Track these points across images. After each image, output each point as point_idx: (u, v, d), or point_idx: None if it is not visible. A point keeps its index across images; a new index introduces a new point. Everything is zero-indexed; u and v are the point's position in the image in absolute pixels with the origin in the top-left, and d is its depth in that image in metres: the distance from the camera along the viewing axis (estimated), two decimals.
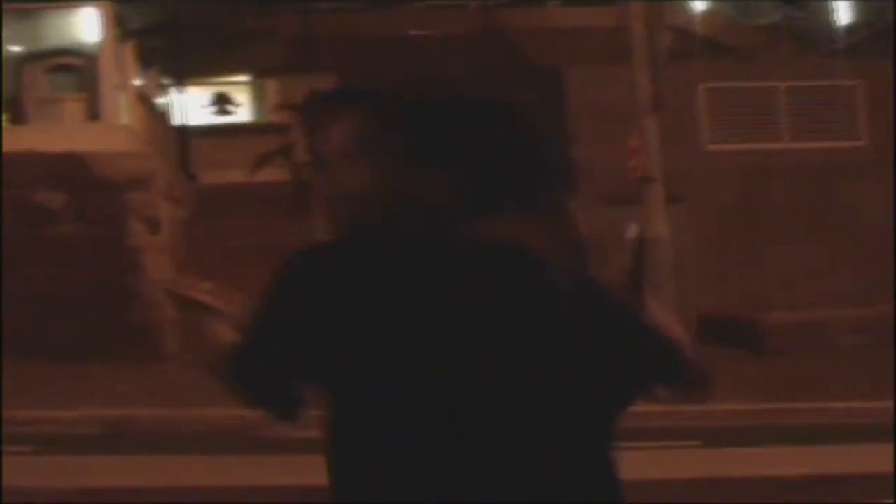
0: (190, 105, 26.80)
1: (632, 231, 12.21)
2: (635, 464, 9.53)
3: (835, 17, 32.98)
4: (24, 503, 9.53)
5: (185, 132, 26.15)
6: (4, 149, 18.79)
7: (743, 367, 17.44)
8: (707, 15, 34.86)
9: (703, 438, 12.47)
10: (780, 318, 19.20)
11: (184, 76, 26.41)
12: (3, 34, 22.68)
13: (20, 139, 19.11)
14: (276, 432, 12.93)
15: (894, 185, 21.47)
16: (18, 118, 20.49)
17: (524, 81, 26.44)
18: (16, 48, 22.44)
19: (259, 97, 28.65)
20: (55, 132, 19.59)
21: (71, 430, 12.91)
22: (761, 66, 24.30)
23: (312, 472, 8.76)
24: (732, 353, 18.83)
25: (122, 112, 21.23)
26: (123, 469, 10.86)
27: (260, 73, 29.68)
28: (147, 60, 25.13)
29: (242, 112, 28.30)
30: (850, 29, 31.90)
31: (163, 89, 27.13)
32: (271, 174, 24.39)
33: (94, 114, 20.64)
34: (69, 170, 18.72)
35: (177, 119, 26.45)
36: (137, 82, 23.72)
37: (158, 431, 12.98)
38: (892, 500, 8.74)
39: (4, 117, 20.92)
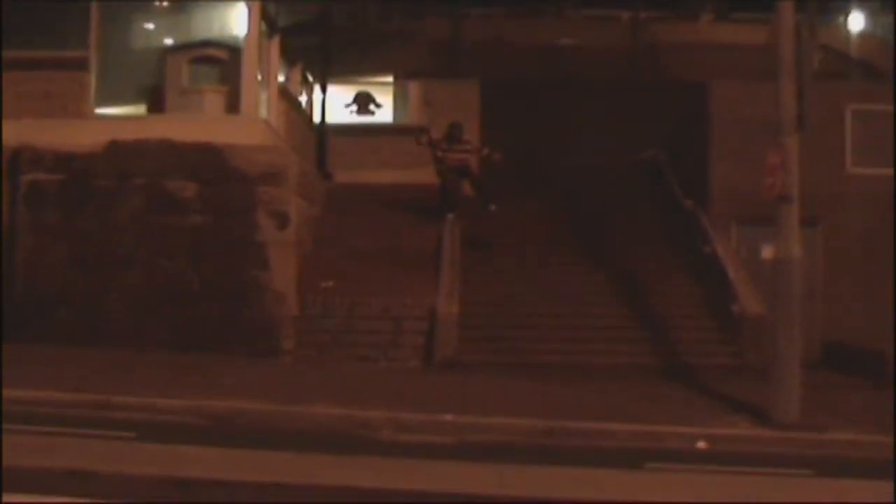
0: (332, 103, 26.87)
1: (766, 251, 11.94)
2: (742, 490, 9.31)
3: None
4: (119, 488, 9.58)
5: (325, 130, 26.23)
6: (140, 136, 18.98)
7: (865, 397, 17.00)
8: (860, 36, 34.18)
9: (817, 468, 12.09)
10: None
11: (327, 74, 26.47)
12: (154, 26, 23.06)
13: (157, 127, 19.31)
14: (380, 433, 12.92)
15: None
16: (158, 107, 20.71)
17: (670, 95, 26.17)
18: (161, 39, 22.76)
19: (402, 99, 28.63)
20: (192, 122, 19.73)
21: (175, 419, 12.94)
22: None
23: (412, 475, 8.68)
24: (855, 383, 18.39)
25: (261, 106, 21.34)
26: (220, 462, 10.82)
27: (404, 74, 29.67)
28: (291, 57, 25.25)
29: (383, 113, 28.30)
30: None
31: (305, 86, 27.25)
32: (404, 176, 24.40)
33: (233, 107, 20.73)
34: (202, 160, 18.86)
35: (317, 117, 26.53)
36: (280, 78, 23.83)
37: (261, 426, 12.94)
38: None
39: (144, 106, 21.21)
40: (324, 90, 26.43)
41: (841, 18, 35.74)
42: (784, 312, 14.79)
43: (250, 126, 19.97)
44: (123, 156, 18.93)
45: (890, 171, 22.38)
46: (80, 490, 9.38)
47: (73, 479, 9.63)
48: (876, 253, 22.15)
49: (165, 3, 23.26)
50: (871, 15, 36.78)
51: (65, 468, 9.77)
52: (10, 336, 17.56)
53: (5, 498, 8.68)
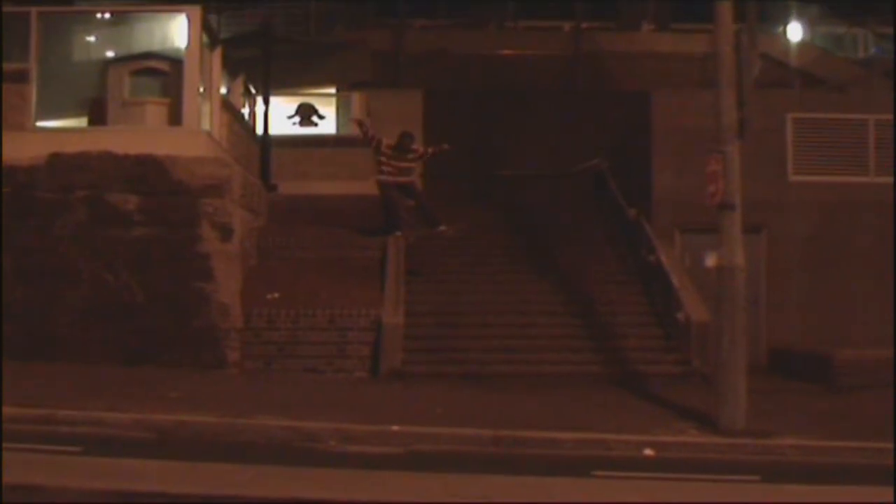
0: (274, 115, 26.79)
1: (710, 259, 12.00)
2: (689, 496, 9.34)
3: None
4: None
5: (268, 142, 26.15)
6: (82, 148, 18.87)
7: (811, 402, 17.12)
8: (800, 46, 34.53)
9: (763, 473, 12.16)
10: (850, 355, 18.82)
11: (269, 86, 26.39)
12: (95, 37, 22.91)
13: (99, 140, 19.20)
14: (326, 445, 12.88)
15: None
16: (99, 119, 20.56)
17: (612, 104, 26.30)
18: (103, 51, 22.61)
19: (344, 110, 28.60)
20: (134, 134, 19.63)
21: (120, 433, 12.86)
22: (851, 99, 23.89)
23: (359, 486, 8.65)
24: (801, 388, 18.52)
25: (204, 118, 21.22)
26: (165, 475, 10.75)
27: (346, 86, 29.65)
28: (234, 69, 25.17)
29: (326, 124, 28.26)
30: None
31: (248, 98, 27.16)
32: (349, 187, 24.34)
33: (175, 119, 20.61)
34: (145, 172, 18.77)
35: (260, 128, 26.45)
36: (222, 90, 23.72)
37: (207, 439, 12.88)
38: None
39: (86, 119, 21.04)
40: (266, 102, 26.34)
41: (780, 28, 36.12)
42: (728, 319, 14.87)
43: (192, 138, 19.87)
44: (65, 168, 18.80)
45: (830, 179, 22.61)
46: None
47: (17, 493, 9.53)
48: (819, 258, 22.35)
49: (107, 16, 23.11)
50: (810, 25, 37.19)
51: (8, 483, 9.66)
52: None
53: None
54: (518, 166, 26.64)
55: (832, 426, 14.67)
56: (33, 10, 20.63)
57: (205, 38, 21.36)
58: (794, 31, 36.54)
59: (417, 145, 22.86)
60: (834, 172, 22.71)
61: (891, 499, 9.79)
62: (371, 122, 24.89)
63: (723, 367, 14.75)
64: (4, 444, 11.17)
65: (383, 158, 22.37)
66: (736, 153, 15.23)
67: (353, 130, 23.23)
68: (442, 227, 22.20)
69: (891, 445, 12.97)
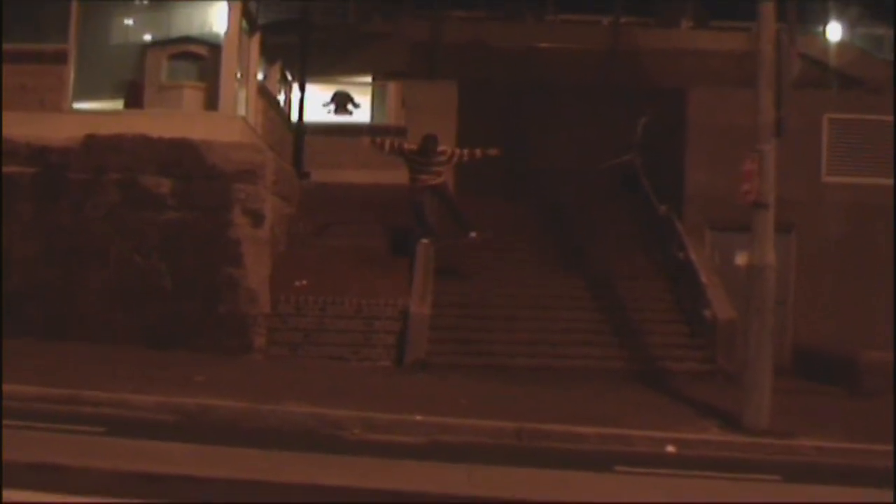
0: (310, 102, 26.86)
1: (740, 257, 11.97)
2: (710, 494, 9.34)
3: None
4: (87, 483, 9.55)
5: (303, 129, 26.23)
6: (117, 131, 18.98)
7: (835, 404, 17.07)
8: (839, 46, 34.37)
9: (784, 473, 12.15)
10: (877, 358, 18.73)
11: (306, 73, 26.46)
12: (135, 21, 23.04)
13: (134, 123, 19.30)
14: (350, 433, 12.93)
15: None
16: (135, 102, 20.67)
17: (647, 100, 26.24)
18: (141, 34, 22.73)
19: (380, 99, 28.64)
20: (170, 118, 19.72)
21: (145, 415, 12.94)
22: (888, 101, 23.73)
23: (381, 475, 8.67)
24: (825, 389, 18.46)
25: (240, 104, 21.32)
26: (190, 457, 10.82)
27: (382, 75, 29.68)
28: (271, 55, 25.24)
29: (361, 113, 28.30)
30: None
31: (284, 85, 27.24)
32: (381, 177, 24.34)
33: (211, 103, 20.71)
34: (179, 156, 18.86)
35: (295, 115, 26.53)
36: (259, 76, 23.81)
37: (232, 423, 12.95)
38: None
39: (122, 101, 21.15)
40: (302, 89, 26.43)
41: (819, 28, 35.95)
42: (757, 318, 14.83)
43: (228, 123, 19.96)
44: (100, 150, 18.91)
45: (863, 181, 22.49)
46: (47, 484, 9.36)
47: (40, 472, 9.60)
48: (849, 260, 22.25)
49: (147, 0, 23.26)
50: (849, 25, 37.00)
51: (31, 462, 9.74)
52: None
53: (6, 496, 8.66)
54: (551, 161, 26.63)
55: (855, 428, 14.61)
56: None
57: (244, 24, 21.44)
58: (834, 31, 36.39)
59: (444, 147, 21.88)
60: (868, 174, 22.58)
61: (891, 499, 9.75)
62: (406, 113, 24.92)
63: (748, 366, 14.72)
64: (28, 423, 11.28)
65: (411, 164, 21.55)
66: (772, 152, 15.18)
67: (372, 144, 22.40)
68: (473, 234, 21.35)
69: None
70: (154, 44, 22.02)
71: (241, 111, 21.24)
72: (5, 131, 18.81)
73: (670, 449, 13.27)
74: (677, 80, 27.61)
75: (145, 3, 23.31)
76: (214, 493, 9.59)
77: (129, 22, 23.12)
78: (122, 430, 11.91)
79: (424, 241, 21.49)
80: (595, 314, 20.51)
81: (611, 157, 25.43)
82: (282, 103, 26.52)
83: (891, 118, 22.67)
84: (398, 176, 22.81)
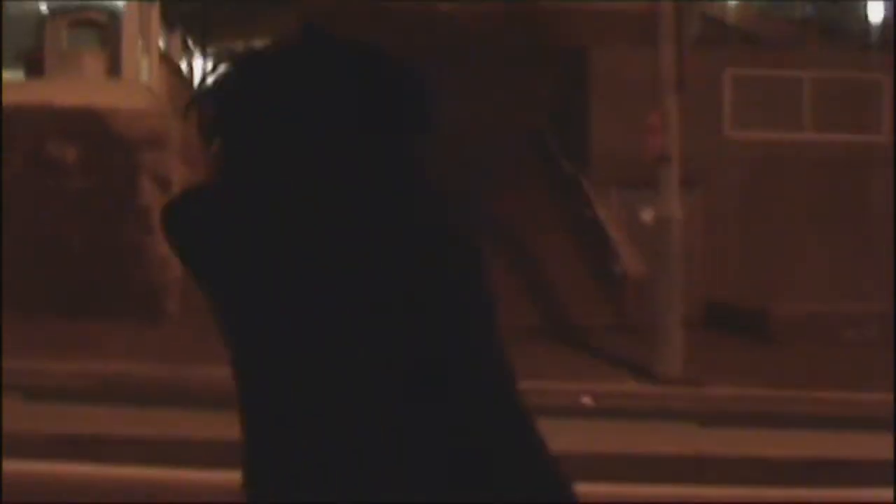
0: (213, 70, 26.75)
1: (646, 213, 12.17)
2: (627, 439, 9.51)
3: (865, 14, 32.84)
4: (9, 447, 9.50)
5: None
6: (20, 100, 18.76)
7: (747, 354, 17.38)
8: (740, 5, 34.78)
9: (699, 421, 12.39)
10: (786, 309, 19.14)
11: (207, 38, 26.34)
12: None
13: (37, 92, 19.11)
14: None
15: None
16: (37, 71, 20.47)
17: (547, 61, 26.38)
18: (40, 2, 22.45)
19: None
20: (73, 87, 19.53)
21: (65, 383, 12.88)
22: (789, 57, 24.13)
23: None
24: (737, 341, 18.80)
25: (142, 71, 21.19)
26: (114, 419, 10.82)
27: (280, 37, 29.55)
28: (171, 22, 25.08)
29: None
30: (881, 25, 31.73)
31: (186, 52, 27.08)
32: None
33: (114, 71, 20.57)
34: (84, 124, 18.70)
35: (195, 81, 26.38)
36: (161, 43, 23.65)
37: (152, 387, 12.93)
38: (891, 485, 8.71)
39: (25, 71, 20.93)
40: (204, 56, 26.29)
41: None
42: (664, 271, 15.11)
43: (132, 91, 19.85)
44: (3, 120, 18.68)
45: (766, 135, 22.85)
46: None
47: None
48: (754, 214, 22.61)
49: None
50: None
51: None
52: None
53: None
54: (455, 125, 26.68)
55: (765, 376, 14.93)
56: None
57: None
58: None
59: None
60: (769, 129, 22.93)
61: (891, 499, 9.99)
62: None
63: (658, 317, 14.99)
64: None
65: None
66: (674, 107, 15.45)
67: None
68: None
69: (823, 395, 13.28)
70: (53, 12, 21.77)
71: (145, 79, 21.10)
72: None
73: (586, 400, 13.47)
74: (578, 40, 27.77)
75: None
76: (134, 452, 9.60)
77: None
78: (41, 396, 11.86)
79: None
80: (504, 272, 20.61)
81: (517, 120, 25.54)
82: (185, 71, 26.36)
83: (790, 73, 23.05)
84: None
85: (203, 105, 2.24)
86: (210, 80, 2.25)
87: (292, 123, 2.14)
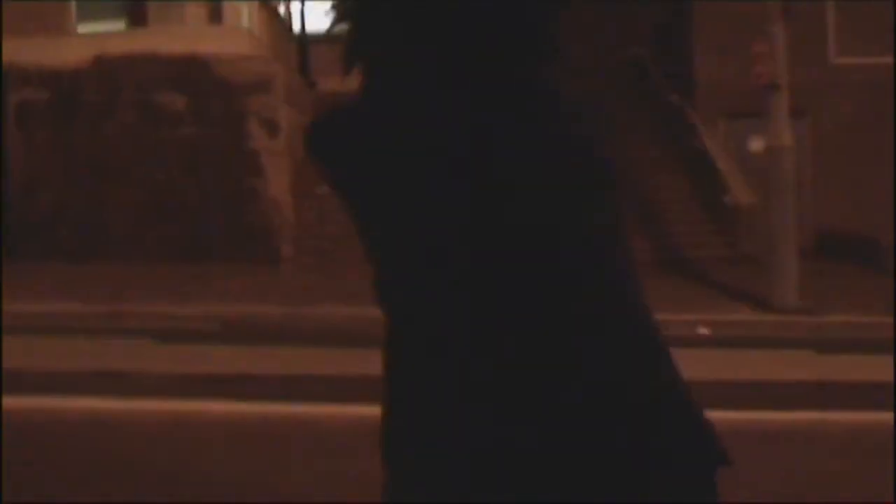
0: (310, 12, 26.84)
1: (755, 143, 12.05)
2: (743, 366, 9.46)
3: None
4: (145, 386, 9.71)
5: (306, 39, 26.19)
6: (126, 50, 18.95)
7: (859, 283, 17.22)
8: None
9: (817, 348, 12.36)
10: None
11: None
12: None
13: (141, 41, 19.27)
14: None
15: None
16: (139, 20, 20.62)
17: None
18: None
19: None
20: (176, 35, 19.67)
21: (186, 325, 13.09)
22: None
23: None
24: (849, 269, 18.62)
25: (243, 17, 21.29)
26: (240, 359, 10.99)
27: None
28: None
29: None
30: None
31: None
32: None
33: (215, 18, 20.68)
34: (190, 72, 18.87)
35: (297, 26, 26.50)
36: None
37: (272, 328, 13.11)
38: None
39: (127, 21, 21.09)
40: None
41: None
42: (778, 200, 15.00)
43: (234, 36, 19.97)
44: (110, 71, 18.92)
45: (874, 61, 22.42)
46: (107, 390, 9.51)
47: (100, 379, 9.76)
48: (864, 142, 22.26)
49: None
50: None
51: (91, 370, 9.91)
52: (13, 255, 17.64)
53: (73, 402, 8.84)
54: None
55: (880, 304, 14.79)
56: None
57: None
58: None
59: None
60: (875, 54, 22.50)
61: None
62: None
63: (773, 246, 14.89)
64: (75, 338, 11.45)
65: None
66: (781, 33, 15.28)
67: None
68: None
69: None
70: None
71: (246, 24, 21.21)
72: (16, 58, 18.77)
73: (703, 330, 13.45)
74: None
75: None
76: (268, 389, 9.76)
77: None
78: (169, 338, 12.08)
79: None
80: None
81: (616, 49, 25.34)
82: (284, 14, 26.46)
83: None
84: None
85: (346, 13, 2.24)
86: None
87: (432, 45, 2.16)
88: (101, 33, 20.62)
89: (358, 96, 2.24)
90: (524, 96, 2.17)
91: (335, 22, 2.24)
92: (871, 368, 11.15)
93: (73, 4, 20.09)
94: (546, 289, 2.10)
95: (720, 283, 16.50)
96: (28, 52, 18.87)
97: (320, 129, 2.28)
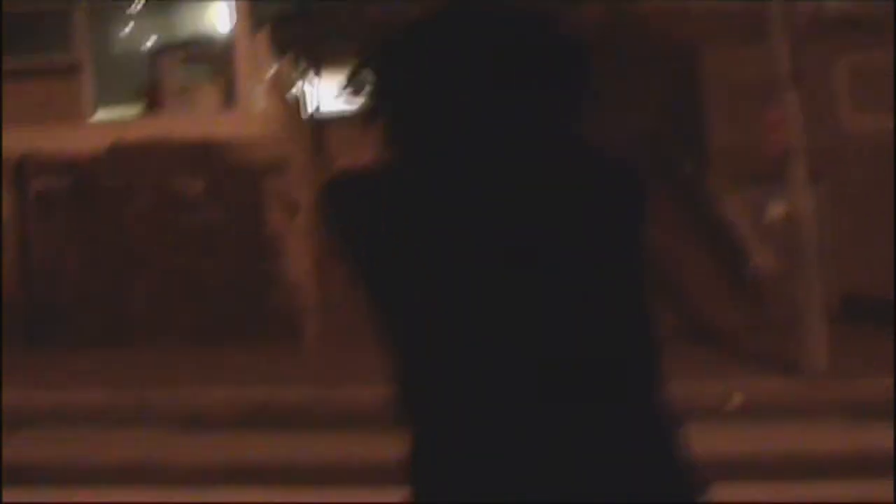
0: (323, 92, 26.89)
1: (773, 208, 12.03)
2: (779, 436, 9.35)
3: None
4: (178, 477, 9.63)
5: (319, 119, 26.24)
6: (142, 136, 19.04)
7: (885, 344, 17.10)
8: None
9: (853, 413, 12.24)
10: None
11: (316, 64, 26.48)
12: (141, 27, 23.04)
13: (157, 127, 19.37)
14: None
15: None
16: (155, 107, 20.73)
17: (658, 62, 26.22)
18: (150, 38, 22.75)
19: None
20: (190, 120, 19.78)
21: (212, 412, 13.00)
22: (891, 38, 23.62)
23: None
24: (872, 331, 18.50)
25: (256, 100, 21.38)
26: (271, 445, 10.91)
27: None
28: (280, 49, 25.26)
29: None
30: None
31: (296, 77, 27.25)
32: None
33: (228, 102, 20.80)
34: (206, 156, 18.95)
35: (310, 106, 26.54)
36: (271, 71, 23.84)
37: (302, 411, 13.01)
38: None
39: (141, 107, 21.20)
40: (315, 78, 26.45)
41: None
42: (801, 265, 14.96)
43: (248, 119, 20.05)
44: (127, 157, 19.01)
45: (885, 123, 22.43)
46: (135, 480, 9.44)
47: (126, 471, 9.69)
48: (879, 204, 22.22)
49: (152, 3, 23.29)
50: None
51: (116, 461, 9.85)
52: (35, 343, 17.64)
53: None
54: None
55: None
56: (80, 2, 20.86)
57: (251, 20, 21.51)
58: None
59: None
60: (888, 115, 22.49)
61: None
62: None
63: (800, 311, 14.83)
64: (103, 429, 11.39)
65: None
66: (794, 101, 15.34)
67: None
68: None
69: None
70: (166, 46, 22.05)
71: (259, 106, 21.30)
72: (34, 147, 18.87)
73: (737, 399, 13.34)
74: (688, 39, 27.56)
75: (153, 5, 23.35)
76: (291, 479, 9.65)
77: (139, 26, 23.14)
78: (194, 426, 12.00)
79: None
80: None
81: (627, 120, 25.38)
82: (296, 95, 26.55)
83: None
84: None
85: (361, 88, 2.19)
86: (365, 62, 2.20)
87: (457, 93, 2.10)
88: (117, 120, 20.74)
89: (377, 155, 2.20)
90: (552, 168, 2.14)
91: (352, 94, 2.19)
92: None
93: (90, 92, 20.19)
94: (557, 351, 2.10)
95: (747, 350, 16.40)
96: (46, 140, 18.98)
97: (335, 186, 2.24)
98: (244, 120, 19.96)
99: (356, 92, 2.19)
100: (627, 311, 2.17)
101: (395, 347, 2.20)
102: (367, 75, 2.18)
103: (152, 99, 21.11)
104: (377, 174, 2.17)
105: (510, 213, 2.09)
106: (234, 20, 20.82)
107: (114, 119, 20.80)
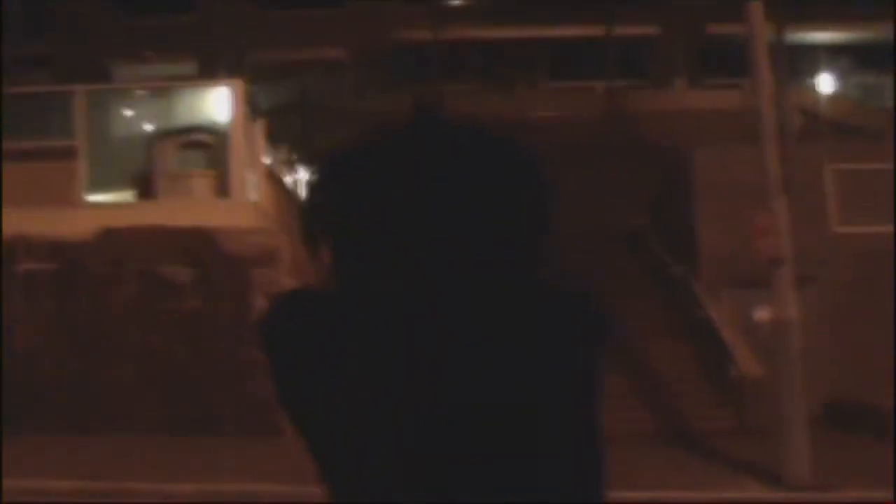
0: None
1: (760, 313, 12.08)
2: None
3: None
4: None
5: None
6: (133, 222, 19.08)
7: (870, 454, 17.05)
8: (833, 97, 34.68)
9: None
10: None
11: (311, 154, 26.68)
12: (139, 112, 23.19)
13: (148, 213, 19.42)
14: None
15: None
16: (148, 193, 20.80)
17: (650, 162, 26.40)
18: (148, 125, 22.88)
19: None
20: (183, 207, 19.82)
21: None
22: (888, 148, 23.83)
23: None
24: (857, 439, 18.46)
25: (249, 189, 21.45)
26: None
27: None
28: (276, 138, 25.43)
29: None
30: None
31: (291, 167, 27.42)
32: None
33: (222, 190, 20.86)
34: (195, 244, 18.96)
35: (302, 197, 26.70)
36: (266, 160, 23.97)
37: None
38: None
39: (135, 192, 21.25)
40: (308, 170, 26.60)
41: (811, 80, 36.29)
42: (785, 373, 14.93)
43: (241, 209, 20.09)
44: (116, 243, 19.02)
45: (875, 229, 22.52)
46: None
47: None
48: (864, 309, 22.27)
49: (151, 90, 23.47)
50: (841, 76, 37.35)
51: None
52: (11, 427, 17.52)
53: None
54: (557, 226, 26.69)
55: (888, 476, 14.60)
56: (80, 87, 21.02)
57: (247, 110, 21.63)
58: (825, 83, 36.75)
59: None
60: (875, 221, 22.61)
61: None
62: None
63: (783, 421, 14.78)
64: None
65: None
66: (783, 208, 15.39)
67: None
68: None
69: None
70: (161, 134, 22.16)
71: (252, 196, 21.36)
72: (24, 229, 18.90)
73: None
74: (676, 140, 27.76)
75: (150, 93, 23.53)
76: None
77: (135, 113, 23.30)
78: None
79: None
80: (619, 377, 20.49)
81: (618, 222, 25.52)
82: (290, 185, 26.67)
83: (892, 165, 22.75)
84: None
85: (309, 211, 2.15)
86: (314, 181, 2.17)
87: (411, 218, 2.08)
88: (109, 204, 20.80)
89: (325, 281, 2.15)
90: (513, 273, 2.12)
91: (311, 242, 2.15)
92: None
93: (83, 176, 20.26)
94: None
95: (727, 456, 16.34)
96: (36, 223, 19.00)
97: (275, 315, 2.19)
98: (236, 209, 20.00)
99: (310, 207, 2.14)
100: (571, 461, 2.15)
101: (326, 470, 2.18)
102: (317, 194, 2.14)
103: (146, 184, 21.17)
104: (321, 300, 2.14)
105: (453, 356, 2.08)
106: (232, 109, 20.90)
107: (107, 203, 20.88)
